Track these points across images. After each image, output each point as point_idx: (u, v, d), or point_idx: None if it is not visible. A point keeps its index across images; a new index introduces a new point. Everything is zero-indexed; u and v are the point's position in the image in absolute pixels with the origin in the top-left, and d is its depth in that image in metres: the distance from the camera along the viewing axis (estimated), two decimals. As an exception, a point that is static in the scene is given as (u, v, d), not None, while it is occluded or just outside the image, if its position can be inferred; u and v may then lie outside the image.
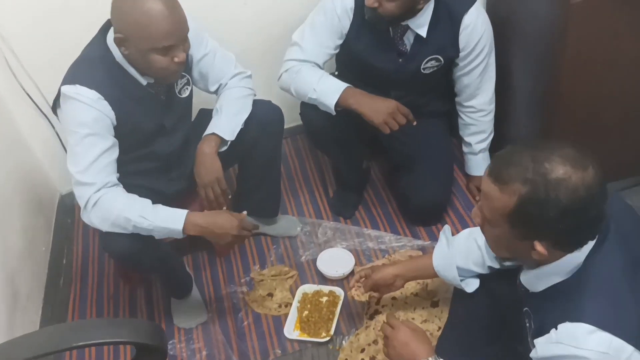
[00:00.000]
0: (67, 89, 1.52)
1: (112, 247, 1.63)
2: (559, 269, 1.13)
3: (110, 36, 1.54)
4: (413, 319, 1.83)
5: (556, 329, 1.08)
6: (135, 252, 1.63)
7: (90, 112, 1.52)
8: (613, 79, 1.82)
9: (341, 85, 1.80)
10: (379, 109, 1.77)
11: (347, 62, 2.00)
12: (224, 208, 1.73)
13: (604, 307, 1.06)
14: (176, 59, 1.52)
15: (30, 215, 2.17)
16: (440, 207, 2.13)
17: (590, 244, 1.11)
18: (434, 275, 1.58)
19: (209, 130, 1.73)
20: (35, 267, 2.11)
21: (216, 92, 1.83)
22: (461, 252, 1.50)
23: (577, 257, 1.11)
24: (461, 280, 1.51)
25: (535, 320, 1.19)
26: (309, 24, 1.88)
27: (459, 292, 1.57)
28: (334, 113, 1.82)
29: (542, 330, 1.12)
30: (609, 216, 1.12)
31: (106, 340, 1.19)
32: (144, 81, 1.60)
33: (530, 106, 2.04)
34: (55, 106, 1.61)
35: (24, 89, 2.11)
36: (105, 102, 1.54)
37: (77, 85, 1.51)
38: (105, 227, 1.55)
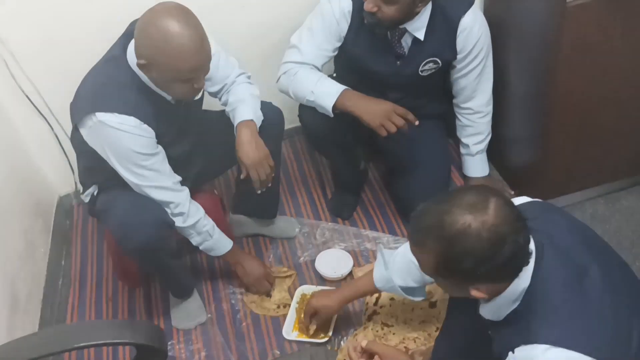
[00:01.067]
0: (106, 118, 1.52)
1: (130, 240, 1.65)
2: (509, 297, 1.16)
3: (131, 59, 1.54)
4: (411, 319, 1.84)
5: (513, 352, 1.12)
6: (152, 245, 1.66)
7: (138, 140, 1.56)
8: (607, 80, 1.84)
9: (338, 88, 1.81)
10: (375, 112, 1.78)
11: (345, 65, 2.01)
12: (269, 185, 1.81)
13: (555, 324, 1.10)
14: (196, 85, 1.54)
15: (29, 217, 2.17)
16: (437, 209, 2.14)
17: (529, 267, 1.13)
18: (378, 291, 1.67)
19: (244, 117, 1.74)
20: (34, 269, 2.11)
21: (217, 93, 1.84)
22: (399, 272, 1.55)
23: (521, 283, 1.14)
24: (408, 294, 1.58)
25: (496, 344, 1.22)
26: (307, 27, 1.89)
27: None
28: (331, 115, 1.83)
29: (502, 356, 1.16)
30: (544, 233, 1.16)
31: (107, 342, 1.20)
32: (169, 97, 1.63)
33: (526, 108, 2.05)
34: (78, 125, 1.60)
35: (23, 92, 2.11)
36: (145, 125, 1.57)
37: (116, 114, 1.52)
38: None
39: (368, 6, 1.72)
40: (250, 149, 1.71)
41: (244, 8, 2.17)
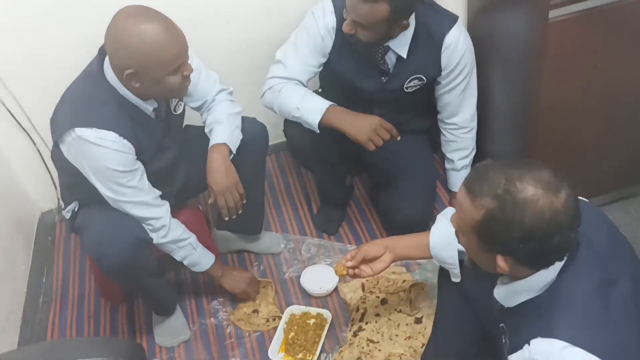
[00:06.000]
0: (85, 133, 1.51)
1: (106, 260, 1.63)
2: (530, 285, 1.13)
3: (110, 74, 1.53)
4: (397, 335, 1.83)
5: (529, 344, 1.09)
6: (130, 265, 1.64)
7: (117, 156, 1.55)
8: (589, 95, 1.85)
9: (324, 104, 1.81)
10: (362, 127, 1.78)
11: (331, 80, 2.01)
12: (240, 212, 1.77)
13: (577, 324, 1.07)
14: (185, 73, 1.53)
15: (9, 234, 2.13)
16: (422, 223, 2.13)
17: (560, 263, 1.11)
18: (427, 255, 1.52)
19: (218, 140, 1.73)
20: (14, 286, 2.07)
21: (199, 108, 1.83)
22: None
23: (548, 275, 1.11)
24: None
25: (510, 336, 1.19)
26: (292, 42, 1.89)
27: (441, 308, 1.58)
28: (317, 131, 1.83)
29: (516, 347, 1.12)
30: (584, 234, 1.12)
31: (86, 361, 1.17)
32: (150, 107, 1.61)
33: (511, 123, 2.06)
34: (57, 141, 1.58)
35: (5, 107, 2.09)
36: (125, 140, 1.55)
37: (95, 129, 1.51)
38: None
39: (346, 28, 1.72)
40: (219, 176, 1.70)
41: (229, 23, 2.16)
